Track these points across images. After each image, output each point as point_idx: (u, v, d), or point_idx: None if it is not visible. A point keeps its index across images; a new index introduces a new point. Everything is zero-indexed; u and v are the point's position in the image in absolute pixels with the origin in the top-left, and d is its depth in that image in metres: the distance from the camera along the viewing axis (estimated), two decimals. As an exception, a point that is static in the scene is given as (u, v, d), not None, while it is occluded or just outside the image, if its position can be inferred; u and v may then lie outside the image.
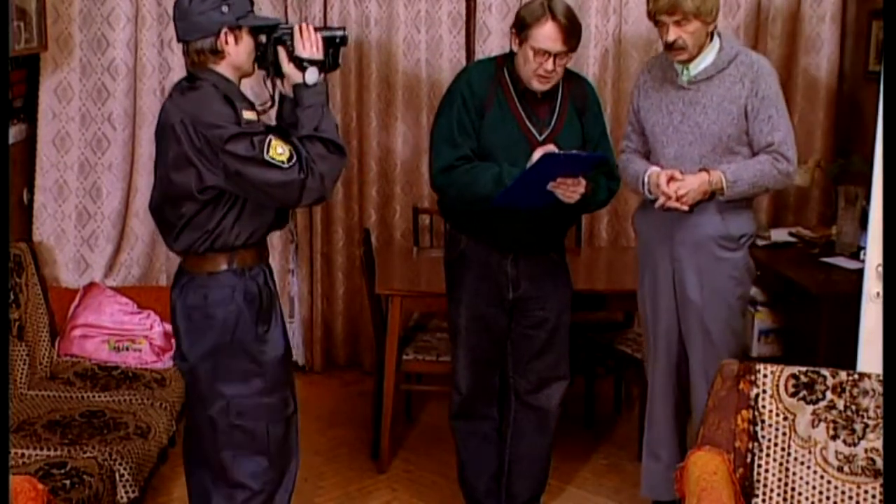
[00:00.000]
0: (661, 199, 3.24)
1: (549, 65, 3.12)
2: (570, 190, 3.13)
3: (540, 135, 3.22)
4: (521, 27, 3.14)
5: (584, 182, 3.14)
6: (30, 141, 4.54)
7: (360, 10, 4.76)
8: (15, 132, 4.37)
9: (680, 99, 3.29)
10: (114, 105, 4.63)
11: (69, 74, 4.56)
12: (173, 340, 4.09)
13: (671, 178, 3.22)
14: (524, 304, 3.37)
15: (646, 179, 3.31)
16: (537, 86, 3.18)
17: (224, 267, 2.81)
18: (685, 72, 3.29)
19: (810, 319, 3.87)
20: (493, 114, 3.21)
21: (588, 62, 4.80)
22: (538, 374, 3.45)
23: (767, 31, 4.85)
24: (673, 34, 3.19)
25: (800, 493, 2.73)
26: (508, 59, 3.26)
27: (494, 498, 3.60)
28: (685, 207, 3.22)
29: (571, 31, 3.11)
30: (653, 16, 3.25)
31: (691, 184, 3.21)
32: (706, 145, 3.26)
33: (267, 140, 2.67)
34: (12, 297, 3.85)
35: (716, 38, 3.27)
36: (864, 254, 3.01)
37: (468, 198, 3.21)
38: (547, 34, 3.09)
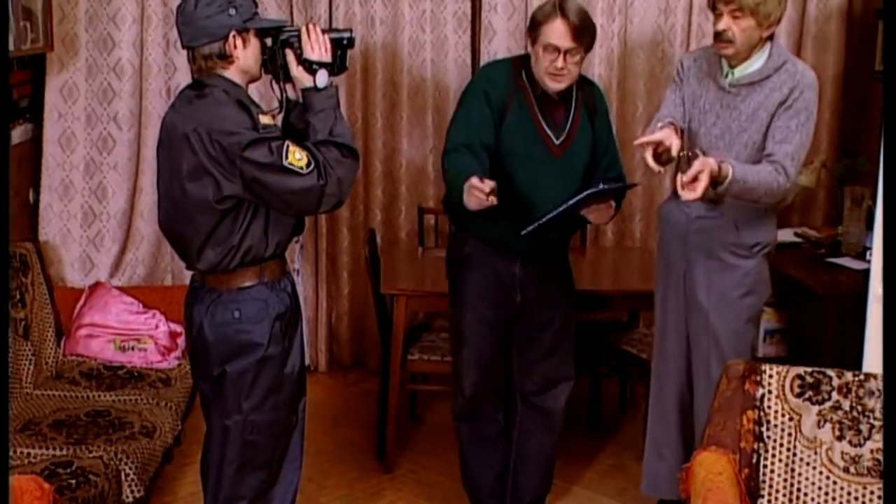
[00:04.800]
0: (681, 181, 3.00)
1: (560, 62, 3.12)
2: (603, 214, 3.22)
3: (556, 139, 3.24)
4: (533, 26, 3.17)
5: (613, 204, 3.24)
6: (36, 141, 4.55)
7: (365, 10, 4.75)
8: (21, 132, 4.37)
9: (718, 101, 3.24)
10: (119, 105, 4.64)
11: (75, 74, 4.56)
12: (180, 340, 4.18)
13: (692, 179, 2.95)
14: (531, 306, 3.37)
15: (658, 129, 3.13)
16: (551, 84, 3.17)
17: (255, 281, 2.75)
18: (731, 73, 3.22)
19: (816, 320, 3.86)
20: (514, 116, 3.22)
21: (594, 62, 4.80)
22: (544, 376, 3.45)
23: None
24: (723, 24, 3.12)
25: (805, 494, 2.73)
26: (525, 61, 3.26)
27: (499, 499, 3.59)
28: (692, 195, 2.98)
29: (581, 29, 3.11)
30: (711, 3, 3.17)
31: (705, 181, 2.97)
32: (732, 152, 3.18)
33: (285, 146, 2.61)
34: (18, 296, 3.86)
35: (767, 44, 3.19)
36: (870, 254, 3.01)
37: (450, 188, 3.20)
38: (556, 30, 3.10)
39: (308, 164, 2.62)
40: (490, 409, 3.52)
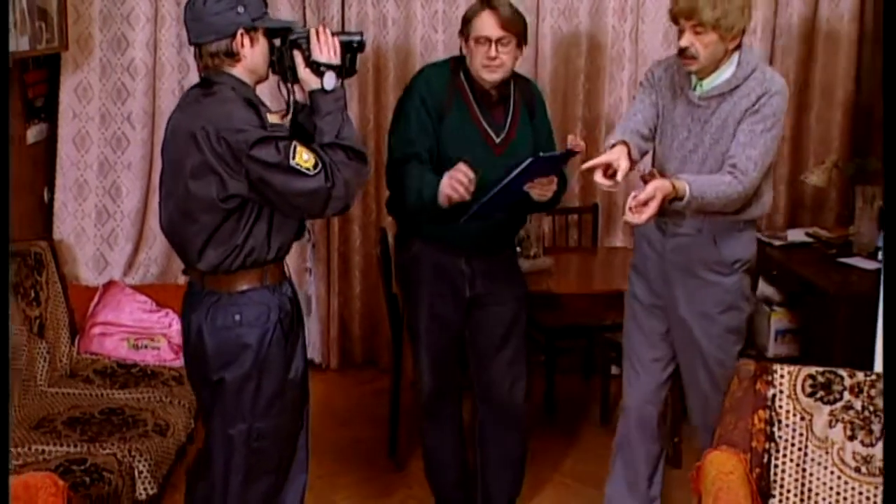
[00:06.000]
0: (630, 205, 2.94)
1: (492, 51, 3.17)
2: (545, 189, 3.18)
3: (497, 137, 3.27)
4: (464, 25, 3.24)
5: (555, 179, 3.21)
6: (50, 140, 4.57)
7: (377, 11, 4.77)
8: (36, 131, 4.40)
9: (689, 115, 3.15)
10: (133, 104, 4.66)
11: (89, 74, 4.59)
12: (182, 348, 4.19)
13: (642, 203, 2.89)
14: (481, 301, 3.39)
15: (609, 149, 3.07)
16: (487, 76, 3.21)
17: (256, 284, 2.71)
18: (699, 86, 3.13)
19: (827, 319, 3.86)
20: (453, 116, 3.25)
21: (605, 63, 4.81)
22: (499, 373, 3.45)
23: (785, 30, 4.84)
24: (686, 40, 3.04)
25: (816, 494, 2.73)
26: (462, 61, 3.30)
27: (462, 490, 3.62)
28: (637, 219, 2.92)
29: (510, 18, 3.19)
30: (674, 17, 3.10)
31: (654, 208, 2.90)
32: (706, 165, 3.12)
33: (292, 146, 2.58)
34: (33, 294, 3.88)
35: (736, 54, 3.09)
36: (882, 254, 3.01)
37: (403, 199, 3.24)
38: (484, 22, 3.18)
39: (315, 166, 2.59)
40: (450, 406, 3.54)
